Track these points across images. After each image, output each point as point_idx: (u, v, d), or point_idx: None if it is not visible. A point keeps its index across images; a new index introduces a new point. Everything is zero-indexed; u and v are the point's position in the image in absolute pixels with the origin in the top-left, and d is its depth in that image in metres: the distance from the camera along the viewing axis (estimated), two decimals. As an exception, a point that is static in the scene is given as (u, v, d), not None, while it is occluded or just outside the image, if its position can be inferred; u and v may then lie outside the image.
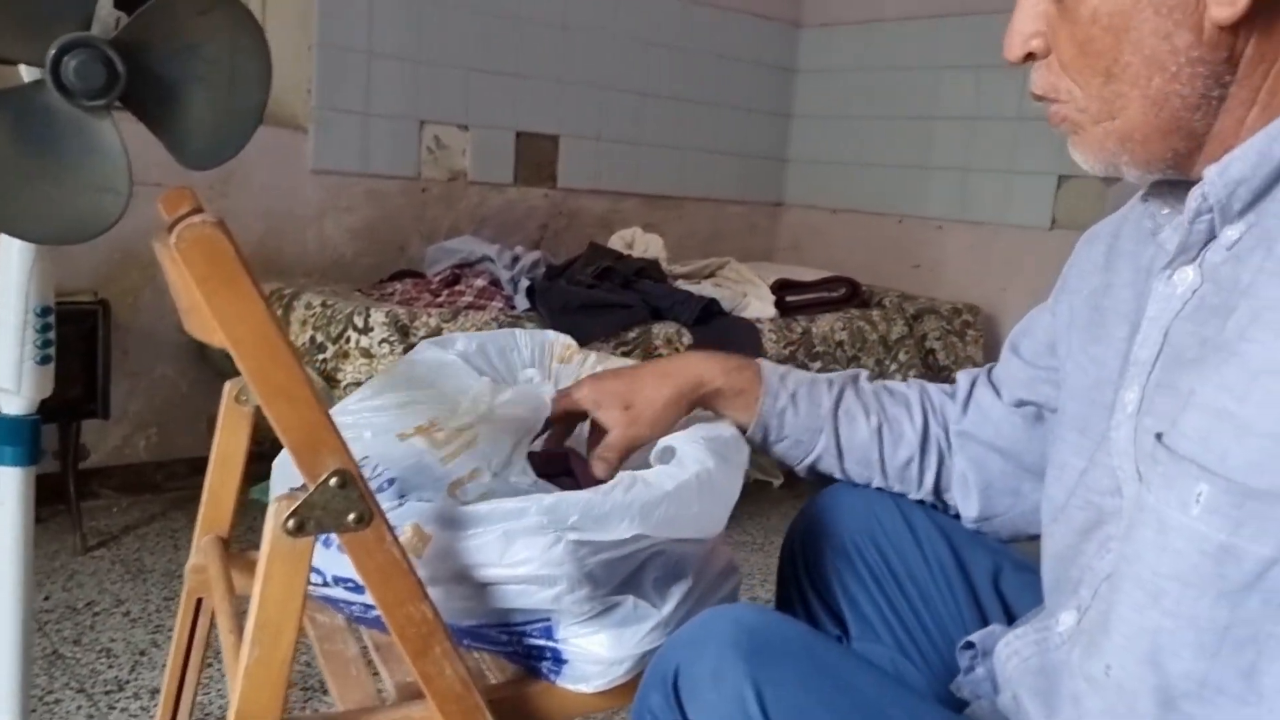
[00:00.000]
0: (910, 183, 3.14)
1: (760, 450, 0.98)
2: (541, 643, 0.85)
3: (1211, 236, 0.62)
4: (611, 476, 0.85)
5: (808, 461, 0.97)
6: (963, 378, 0.97)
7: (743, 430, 0.96)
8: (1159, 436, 0.58)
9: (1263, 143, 0.58)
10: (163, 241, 0.79)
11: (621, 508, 0.81)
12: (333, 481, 0.68)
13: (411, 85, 2.54)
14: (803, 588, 0.98)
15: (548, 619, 0.84)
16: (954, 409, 0.96)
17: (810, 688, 0.65)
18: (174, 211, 0.85)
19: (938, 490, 0.96)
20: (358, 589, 0.83)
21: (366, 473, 0.89)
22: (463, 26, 2.61)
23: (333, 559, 0.83)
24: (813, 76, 3.40)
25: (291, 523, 0.68)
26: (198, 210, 0.79)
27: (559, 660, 0.85)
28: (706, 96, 3.17)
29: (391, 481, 0.88)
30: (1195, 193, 0.61)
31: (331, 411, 1.03)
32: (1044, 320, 0.88)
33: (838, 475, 0.98)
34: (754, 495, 2.34)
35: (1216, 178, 0.60)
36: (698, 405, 0.96)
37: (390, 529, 0.71)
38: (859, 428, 0.95)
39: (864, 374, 1.01)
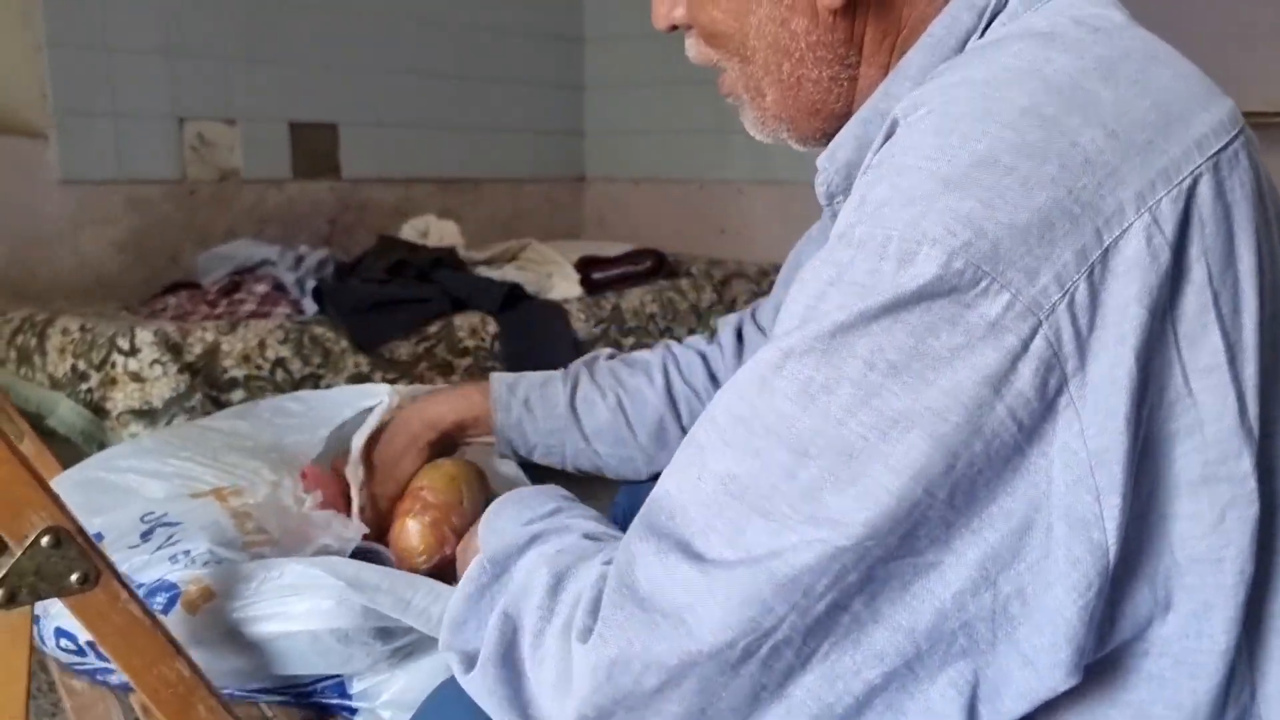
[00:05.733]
0: (709, 147, 3.16)
1: (525, 464, 0.96)
2: (334, 701, 0.78)
3: None
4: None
5: (568, 464, 0.95)
6: (726, 325, 0.95)
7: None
8: None
9: (856, 127, 0.58)
10: None
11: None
12: (44, 541, 0.59)
13: (165, 80, 2.34)
14: None
15: (339, 676, 0.78)
16: (719, 357, 0.94)
17: None
18: None
19: None
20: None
21: (162, 532, 0.79)
22: (218, 12, 2.42)
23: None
24: (601, 45, 3.36)
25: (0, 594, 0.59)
26: None
27: (353, 714, 0.78)
28: (492, 73, 3.08)
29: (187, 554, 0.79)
30: (819, 181, 0.60)
31: (99, 459, 0.93)
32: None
33: (605, 470, 0.95)
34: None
35: (828, 165, 0.59)
36: (443, 444, 0.95)
37: (125, 584, 0.63)
38: (598, 411, 0.93)
39: (604, 354, 0.99)
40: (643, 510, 0.51)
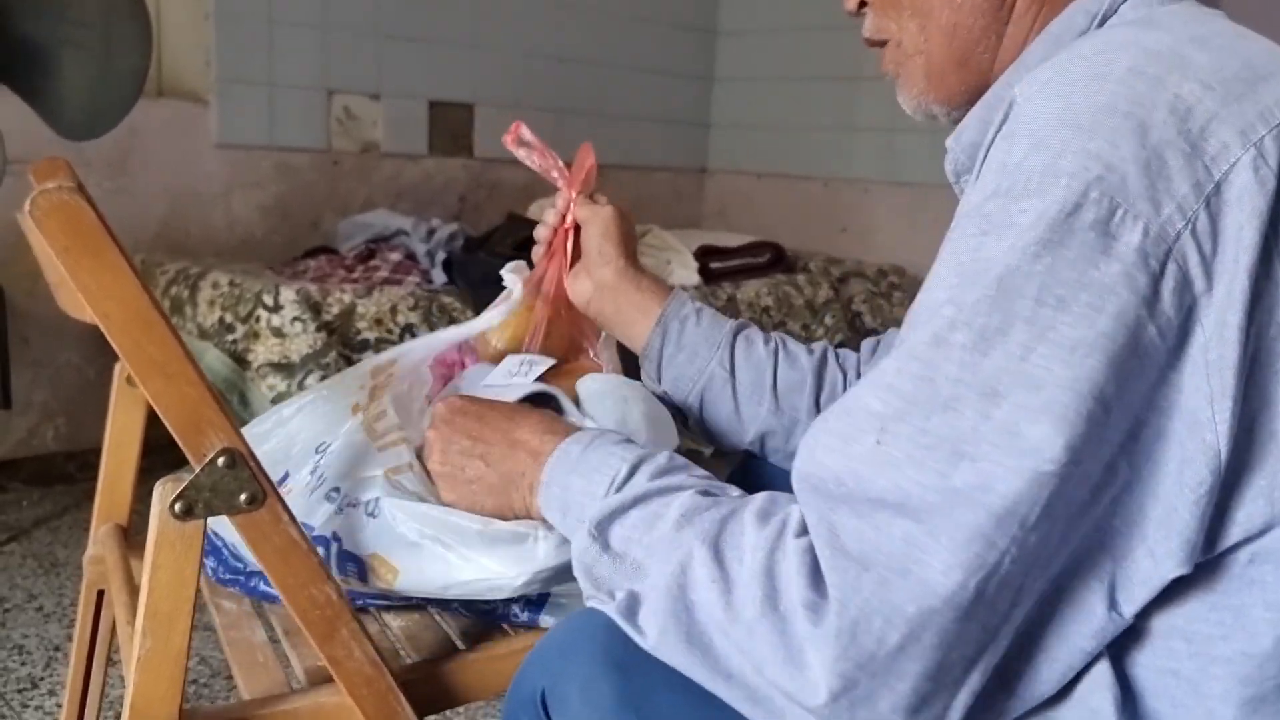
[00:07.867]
0: (836, 144, 3.14)
1: (651, 371, 0.95)
2: (507, 611, 0.84)
3: None
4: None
5: (700, 382, 0.93)
6: (867, 342, 0.96)
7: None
8: None
9: (981, 110, 0.64)
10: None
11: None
12: (220, 461, 0.65)
13: (318, 53, 2.46)
14: None
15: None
16: (857, 361, 0.94)
17: (690, 698, 0.59)
18: (43, 182, 0.80)
19: None
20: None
21: (311, 480, 0.84)
22: (370, -9, 2.53)
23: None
24: (734, 38, 3.37)
25: (179, 506, 0.64)
26: (67, 180, 0.74)
27: (518, 619, 0.84)
28: (626, 61, 3.12)
29: (337, 490, 0.83)
30: (948, 161, 0.67)
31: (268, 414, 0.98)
32: None
33: (724, 406, 0.93)
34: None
35: (955, 145, 0.66)
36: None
37: (286, 508, 0.68)
38: (756, 347, 0.93)
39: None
40: (803, 487, 0.54)
